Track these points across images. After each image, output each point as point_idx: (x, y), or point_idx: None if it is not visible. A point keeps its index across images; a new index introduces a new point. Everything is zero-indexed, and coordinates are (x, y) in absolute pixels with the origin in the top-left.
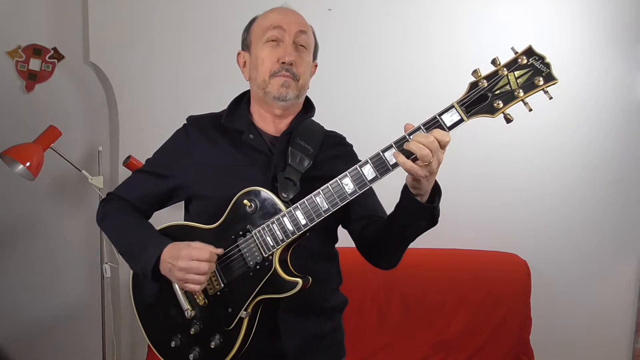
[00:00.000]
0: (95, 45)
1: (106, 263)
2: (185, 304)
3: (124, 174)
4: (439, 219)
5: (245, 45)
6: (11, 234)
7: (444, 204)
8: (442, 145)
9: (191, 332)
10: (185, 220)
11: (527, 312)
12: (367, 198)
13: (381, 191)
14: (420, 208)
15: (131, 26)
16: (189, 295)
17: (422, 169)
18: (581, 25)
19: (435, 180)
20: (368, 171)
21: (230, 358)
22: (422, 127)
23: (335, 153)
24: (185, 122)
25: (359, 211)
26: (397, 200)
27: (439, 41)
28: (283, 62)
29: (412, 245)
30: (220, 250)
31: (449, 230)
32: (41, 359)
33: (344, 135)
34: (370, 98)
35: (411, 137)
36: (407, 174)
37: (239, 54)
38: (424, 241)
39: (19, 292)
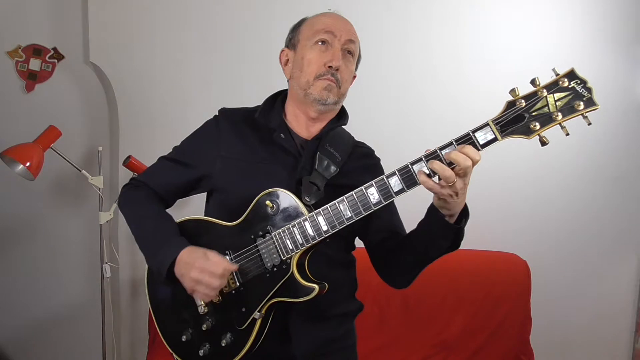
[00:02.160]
0: (95, 45)
1: (106, 263)
2: (198, 300)
3: (124, 174)
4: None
5: (292, 44)
6: (11, 234)
7: None
8: (474, 163)
9: (203, 328)
10: (205, 212)
11: (527, 312)
12: (389, 213)
13: (402, 207)
14: (444, 226)
15: (131, 26)
16: None
17: (445, 188)
18: (581, 25)
19: (465, 204)
20: (395, 182)
21: (240, 358)
22: (454, 142)
23: (363, 164)
24: (217, 113)
25: (379, 225)
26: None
27: (440, 41)
28: (330, 67)
29: None
30: (235, 267)
31: None
32: (41, 359)
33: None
34: (370, 98)
35: (442, 152)
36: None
37: (282, 51)
38: None
39: (19, 292)
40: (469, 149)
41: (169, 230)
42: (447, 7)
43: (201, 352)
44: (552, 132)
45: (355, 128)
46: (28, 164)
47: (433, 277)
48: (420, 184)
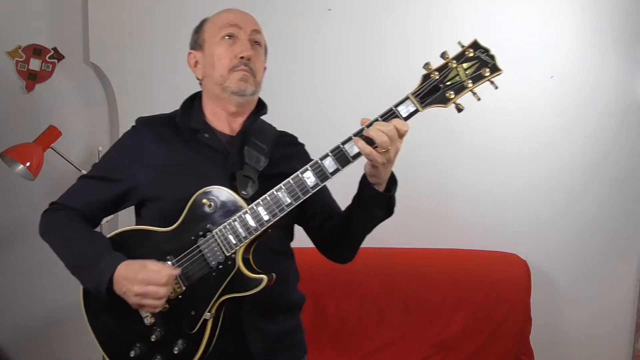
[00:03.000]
0: (95, 45)
1: None
2: (144, 311)
3: None
4: (449, 216)
5: (197, 44)
6: (11, 234)
7: (444, 204)
8: (401, 135)
9: (152, 340)
10: (137, 225)
11: (527, 312)
12: (321, 195)
13: (338, 188)
14: (378, 196)
15: (131, 26)
16: None
17: (381, 155)
18: (582, 26)
19: (392, 172)
20: (329, 163)
21: None
22: (379, 118)
23: (290, 152)
24: (134, 123)
25: (315, 208)
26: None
27: (439, 41)
28: (242, 57)
29: (412, 245)
30: (178, 271)
31: (449, 230)
32: (41, 359)
33: (296, 135)
34: (370, 97)
35: (369, 128)
36: (365, 164)
37: (189, 54)
38: (424, 241)
39: (19, 292)
40: (396, 120)
41: (101, 247)
42: (447, 7)
43: None
44: (551, 133)
45: (356, 126)
46: (28, 164)
47: (433, 277)
48: (353, 162)
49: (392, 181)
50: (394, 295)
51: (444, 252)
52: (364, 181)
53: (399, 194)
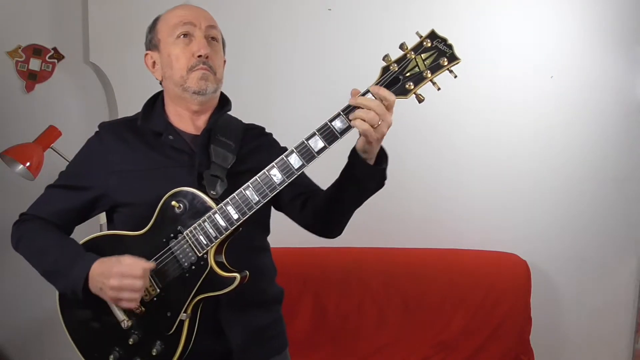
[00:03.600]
0: (95, 45)
1: None
2: (120, 315)
3: None
4: (449, 216)
5: (153, 45)
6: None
7: (444, 204)
8: (389, 107)
9: (130, 343)
10: (110, 230)
11: (527, 312)
12: (299, 177)
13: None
14: (372, 170)
15: (131, 26)
16: None
17: (375, 131)
18: (582, 26)
19: (381, 146)
20: (294, 160)
21: None
22: (341, 113)
23: (257, 144)
24: (97, 129)
25: (294, 190)
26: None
27: None
28: (199, 56)
29: (412, 245)
30: (152, 265)
31: (449, 230)
32: (41, 359)
33: (263, 125)
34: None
35: (345, 114)
36: (357, 140)
37: (146, 55)
38: (424, 241)
39: (19, 292)
40: (382, 90)
41: (74, 251)
42: (447, 7)
43: None
44: (551, 133)
45: (354, 131)
46: (28, 164)
47: (433, 277)
48: (318, 157)
49: (383, 154)
50: (394, 295)
51: (444, 252)
52: (355, 156)
53: (399, 195)
